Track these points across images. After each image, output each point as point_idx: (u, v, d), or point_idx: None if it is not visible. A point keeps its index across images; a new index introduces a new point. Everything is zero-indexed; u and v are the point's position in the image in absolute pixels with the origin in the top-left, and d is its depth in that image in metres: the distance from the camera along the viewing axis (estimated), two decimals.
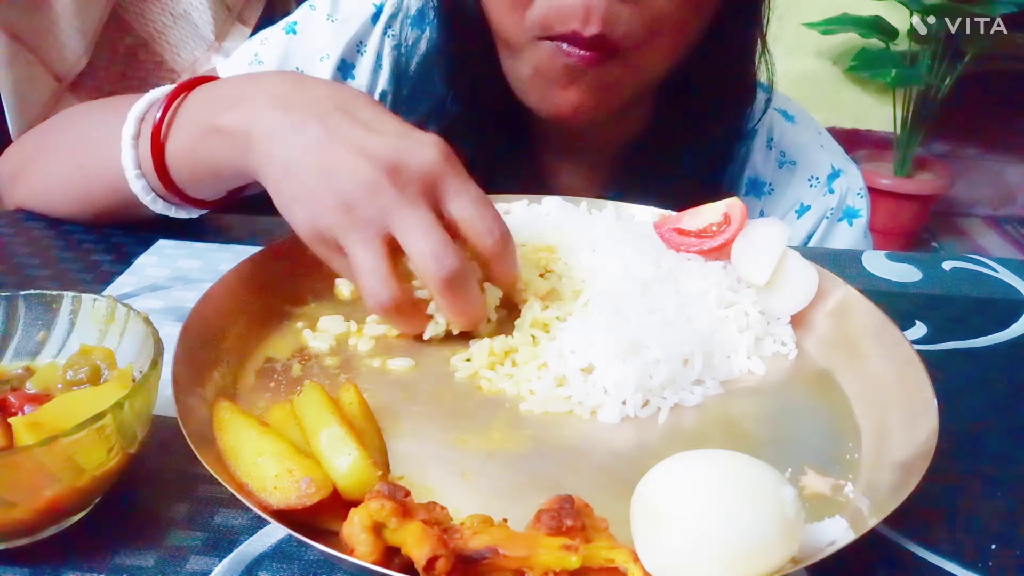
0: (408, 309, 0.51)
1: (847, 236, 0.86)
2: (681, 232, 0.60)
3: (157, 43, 1.43)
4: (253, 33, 1.47)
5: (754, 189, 0.86)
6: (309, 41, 0.83)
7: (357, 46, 0.83)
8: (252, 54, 0.83)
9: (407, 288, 0.51)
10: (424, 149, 0.50)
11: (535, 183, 0.69)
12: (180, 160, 0.60)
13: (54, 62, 1.16)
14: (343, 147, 0.50)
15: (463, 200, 0.50)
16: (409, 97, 0.81)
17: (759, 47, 0.78)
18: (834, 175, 0.86)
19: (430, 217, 0.49)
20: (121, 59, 1.43)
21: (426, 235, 0.48)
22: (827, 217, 0.86)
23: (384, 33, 0.83)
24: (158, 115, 0.60)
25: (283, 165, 0.51)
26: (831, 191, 0.86)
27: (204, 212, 0.67)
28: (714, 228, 0.59)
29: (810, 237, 0.86)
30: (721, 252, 0.58)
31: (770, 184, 0.86)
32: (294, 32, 0.84)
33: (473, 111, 0.76)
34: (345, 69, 0.83)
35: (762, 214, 0.87)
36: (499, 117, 0.77)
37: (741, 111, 0.81)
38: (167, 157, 0.60)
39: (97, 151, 0.66)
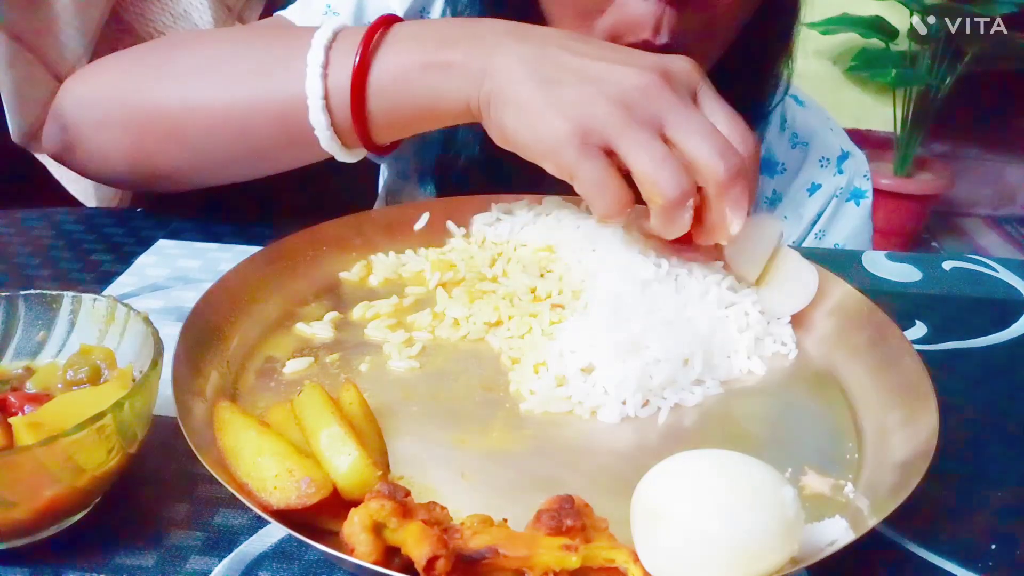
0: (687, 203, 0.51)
1: (854, 216, 0.89)
2: None
3: None
4: None
5: (767, 168, 0.88)
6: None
7: (420, 11, 0.81)
8: (324, 4, 0.79)
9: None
10: (682, 62, 0.53)
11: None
12: (386, 96, 0.58)
13: (54, 62, 1.16)
14: (605, 61, 0.52)
15: (721, 114, 0.52)
16: None
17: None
18: (843, 157, 0.90)
19: (707, 119, 0.51)
20: None
21: (711, 135, 0.50)
22: (836, 196, 0.89)
23: (446, 2, 0.80)
24: (358, 50, 0.57)
25: (535, 81, 0.52)
26: (840, 172, 0.89)
27: (364, 155, 0.64)
28: None
29: (820, 216, 0.89)
30: (715, 247, 0.58)
31: (783, 164, 0.89)
32: None
33: None
34: None
35: (775, 193, 0.89)
36: None
37: (769, 99, 0.82)
38: (369, 92, 0.58)
39: (259, 80, 0.62)
